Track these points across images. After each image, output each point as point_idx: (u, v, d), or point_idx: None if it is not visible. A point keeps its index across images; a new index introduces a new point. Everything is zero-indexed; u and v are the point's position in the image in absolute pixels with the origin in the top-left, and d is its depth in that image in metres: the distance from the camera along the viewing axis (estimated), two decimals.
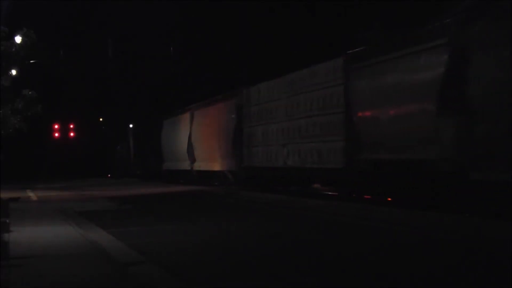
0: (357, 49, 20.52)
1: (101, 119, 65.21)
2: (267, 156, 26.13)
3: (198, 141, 34.99)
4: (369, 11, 34.61)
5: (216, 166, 32.07)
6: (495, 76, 13.96)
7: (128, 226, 15.24)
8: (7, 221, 13.20)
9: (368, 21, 31.70)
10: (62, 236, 12.97)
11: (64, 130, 61.42)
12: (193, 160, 35.95)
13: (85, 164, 58.87)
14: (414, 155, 16.55)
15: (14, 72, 25.28)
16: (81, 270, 9.14)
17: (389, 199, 18.47)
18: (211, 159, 32.74)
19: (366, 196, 19.92)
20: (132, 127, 54.64)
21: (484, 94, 14.18)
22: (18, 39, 23.96)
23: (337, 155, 20.42)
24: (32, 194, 29.59)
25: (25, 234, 13.16)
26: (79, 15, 54.53)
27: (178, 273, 8.88)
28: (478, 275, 8.48)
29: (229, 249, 11.36)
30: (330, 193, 22.73)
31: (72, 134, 61.74)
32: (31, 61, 28.99)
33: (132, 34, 54.46)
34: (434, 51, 16.01)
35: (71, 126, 61.60)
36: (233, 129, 29.49)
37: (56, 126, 60.67)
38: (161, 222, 16.09)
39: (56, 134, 60.91)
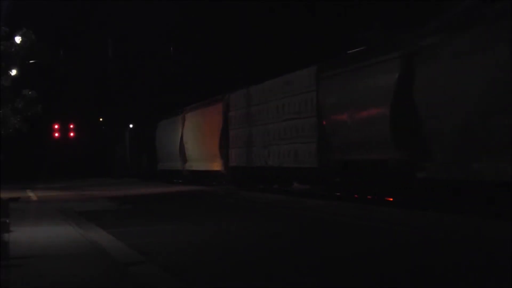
0: (327, 59, 22.73)
1: (101, 119, 65.21)
2: (250, 156, 27.98)
3: (189, 142, 36.77)
4: (369, 11, 34.61)
5: (206, 166, 33.77)
6: (435, 87, 15.71)
7: (128, 226, 15.24)
8: (7, 221, 13.18)
9: (368, 21, 31.72)
10: (62, 236, 12.98)
11: (64, 130, 61.36)
12: (184, 160, 37.61)
13: (85, 164, 58.84)
14: (375, 156, 18.31)
15: (14, 72, 25.25)
16: (81, 270, 9.14)
17: (390, 199, 18.60)
18: (201, 160, 34.54)
19: (337, 194, 21.26)
20: (129, 127, 55.33)
21: (425, 102, 16.02)
22: (18, 39, 23.95)
23: (311, 156, 22.17)
24: (32, 194, 29.59)
25: (25, 234, 13.17)
26: (79, 15, 54.52)
27: (178, 273, 8.88)
28: (478, 275, 8.49)
29: (229, 249, 11.36)
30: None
31: (72, 134, 61.70)
32: (31, 61, 28.97)
33: (132, 34, 54.46)
34: (389, 63, 17.93)
35: (71, 126, 61.56)
36: (220, 131, 31.25)
37: (56, 126, 60.62)
38: (161, 222, 16.10)
39: (56, 134, 60.86)
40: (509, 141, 13.25)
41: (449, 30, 15.89)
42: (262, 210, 19.38)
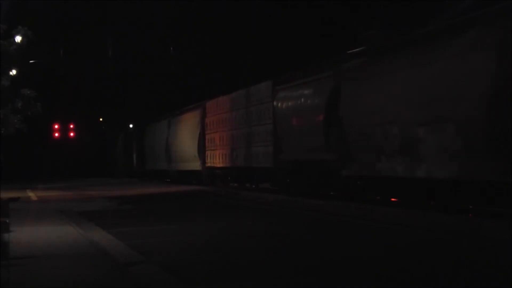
0: (282, 74, 25.83)
1: (101, 119, 65.20)
2: (222, 158, 31.59)
3: (173, 144, 40.21)
4: (369, 11, 34.63)
5: (188, 166, 37.25)
6: (351, 102, 19.03)
7: (128, 226, 15.25)
8: (7, 221, 13.19)
9: (368, 21, 31.73)
10: (62, 236, 12.98)
11: (64, 130, 61.38)
12: (170, 161, 41.13)
13: (85, 164, 58.87)
14: (315, 157, 21.45)
15: (14, 71, 25.21)
16: (81, 270, 9.14)
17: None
18: (184, 160, 37.96)
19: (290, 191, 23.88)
20: (124, 128, 56.35)
21: (346, 114, 19.24)
22: (18, 38, 23.91)
23: (269, 157, 25.49)
24: (32, 194, 29.60)
25: (25, 234, 13.17)
26: (79, 15, 54.50)
27: (178, 273, 8.89)
28: (478, 275, 8.49)
29: (229, 249, 11.36)
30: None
31: (72, 134, 61.71)
32: (30, 61, 28.94)
33: (132, 33, 54.43)
34: (324, 80, 21.21)
35: (71, 126, 61.58)
36: (199, 135, 34.75)
37: (56, 126, 60.64)
38: (161, 222, 16.10)
39: (56, 134, 60.87)
40: (398, 146, 16.70)
41: (363, 55, 19.55)
42: (262, 210, 19.40)
